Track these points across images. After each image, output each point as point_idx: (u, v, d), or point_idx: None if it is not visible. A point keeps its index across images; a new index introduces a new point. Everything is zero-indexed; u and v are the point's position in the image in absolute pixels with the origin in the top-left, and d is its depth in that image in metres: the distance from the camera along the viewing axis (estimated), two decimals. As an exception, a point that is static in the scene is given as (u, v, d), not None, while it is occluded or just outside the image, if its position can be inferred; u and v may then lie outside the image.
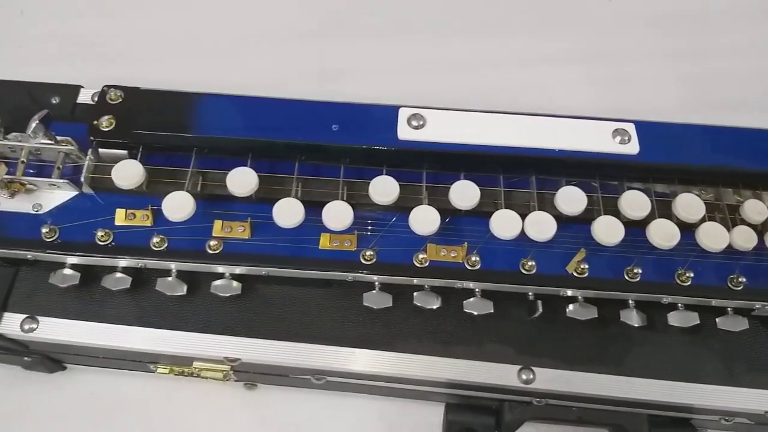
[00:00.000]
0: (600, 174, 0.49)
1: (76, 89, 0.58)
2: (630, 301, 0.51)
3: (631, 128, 0.49)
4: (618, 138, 0.49)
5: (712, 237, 0.47)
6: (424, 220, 0.46)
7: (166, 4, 0.78)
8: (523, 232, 0.47)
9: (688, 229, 0.49)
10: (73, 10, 0.78)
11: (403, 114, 0.49)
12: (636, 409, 0.54)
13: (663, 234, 0.46)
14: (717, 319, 0.51)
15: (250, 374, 0.56)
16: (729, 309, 0.51)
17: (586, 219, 0.50)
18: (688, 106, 0.73)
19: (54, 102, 0.58)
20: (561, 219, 0.49)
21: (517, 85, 0.75)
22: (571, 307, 0.50)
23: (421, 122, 0.48)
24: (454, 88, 0.73)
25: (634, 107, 0.73)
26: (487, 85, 0.74)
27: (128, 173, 0.46)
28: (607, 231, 0.46)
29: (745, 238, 0.47)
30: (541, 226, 0.46)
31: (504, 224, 0.46)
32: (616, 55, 0.77)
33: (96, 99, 0.57)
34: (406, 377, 0.51)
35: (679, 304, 0.51)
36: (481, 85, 0.74)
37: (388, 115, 0.49)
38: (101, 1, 0.79)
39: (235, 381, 0.58)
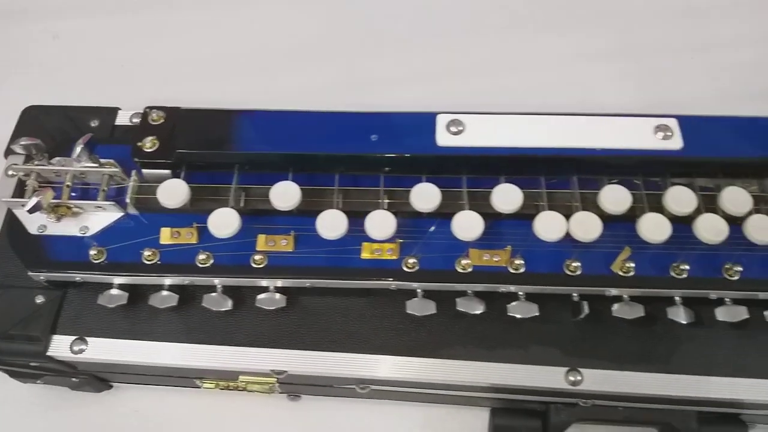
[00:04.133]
0: (643, 171, 0.49)
1: (114, 111, 0.59)
2: (676, 298, 0.50)
3: (673, 123, 0.49)
4: (660, 134, 0.48)
5: (761, 230, 0.46)
6: (467, 225, 0.46)
7: (193, 25, 0.80)
8: (567, 234, 0.47)
9: (734, 223, 0.48)
10: (105, 35, 0.80)
11: (441, 120, 0.49)
12: (684, 406, 0.54)
13: (711, 229, 0.46)
14: (765, 312, 0.50)
15: (294, 386, 0.56)
16: (780, 302, 0.50)
17: (629, 217, 0.50)
18: (727, 98, 0.73)
19: (93, 125, 0.59)
20: (603, 218, 0.49)
21: (551, 84, 0.75)
22: (616, 306, 0.50)
23: (460, 128, 0.48)
24: (485, 92, 0.73)
25: (671, 101, 0.74)
26: (519, 86, 0.74)
27: (173, 193, 0.47)
28: (654, 228, 0.46)
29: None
30: (587, 226, 0.46)
31: (548, 226, 0.46)
32: (648, 49, 0.77)
33: (135, 120, 0.59)
34: (452, 383, 0.51)
35: (727, 299, 0.50)
36: (514, 87, 0.74)
37: (426, 122, 0.49)
38: (132, 25, 0.80)
39: (280, 393, 0.59)
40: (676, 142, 0.48)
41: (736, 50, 0.76)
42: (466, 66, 0.76)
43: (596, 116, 0.49)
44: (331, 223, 0.46)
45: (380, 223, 0.46)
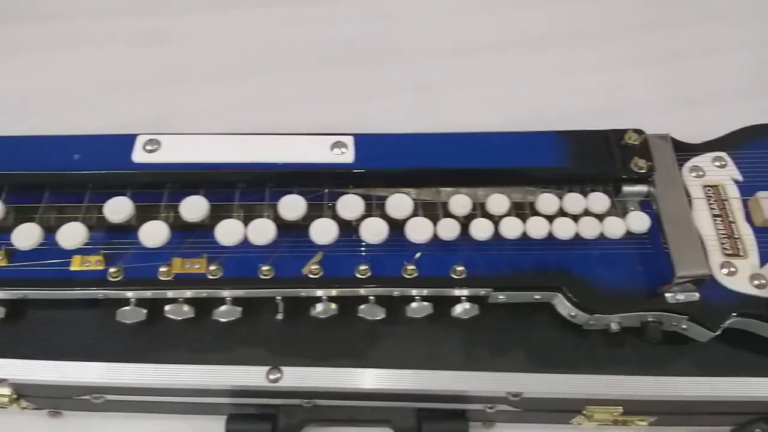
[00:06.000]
0: (322, 182, 0.54)
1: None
2: (370, 297, 0.55)
3: (349, 140, 0.54)
4: (337, 150, 0.54)
5: (417, 230, 0.51)
6: (152, 233, 0.50)
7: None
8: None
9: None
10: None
11: (140, 140, 0.54)
12: (404, 403, 0.57)
13: (372, 230, 0.51)
14: (452, 308, 0.55)
15: (38, 398, 0.58)
16: (463, 298, 0.55)
17: (319, 224, 0.54)
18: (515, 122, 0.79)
19: None
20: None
21: (353, 115, 0.80)
22: (314, 307, 0.54)
23: (156, 146, 0.53)
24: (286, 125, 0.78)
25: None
26: (346, 115, 0.78)
27: None
28: (321, 231, 0.51)
29: (448, 229, 0.51)
30: (261, 231, 0.50)
31: (226, 232, 0.51)
32: (436, 84, 0.83)
33: None
34: (168, 387, 0.54)
35: (417, 297, 0.55)
36: (321, 118, 0.79)
37: (126, 142, 0.54)
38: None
39: (34, 408, 0.61)
40: (348, 157, 0.53)
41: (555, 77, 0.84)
42: (265, 100, 0.80)
43: (282, 135, 0.54)
44: (25, 235, 0.50)
45: (69, 233, 0.50)
